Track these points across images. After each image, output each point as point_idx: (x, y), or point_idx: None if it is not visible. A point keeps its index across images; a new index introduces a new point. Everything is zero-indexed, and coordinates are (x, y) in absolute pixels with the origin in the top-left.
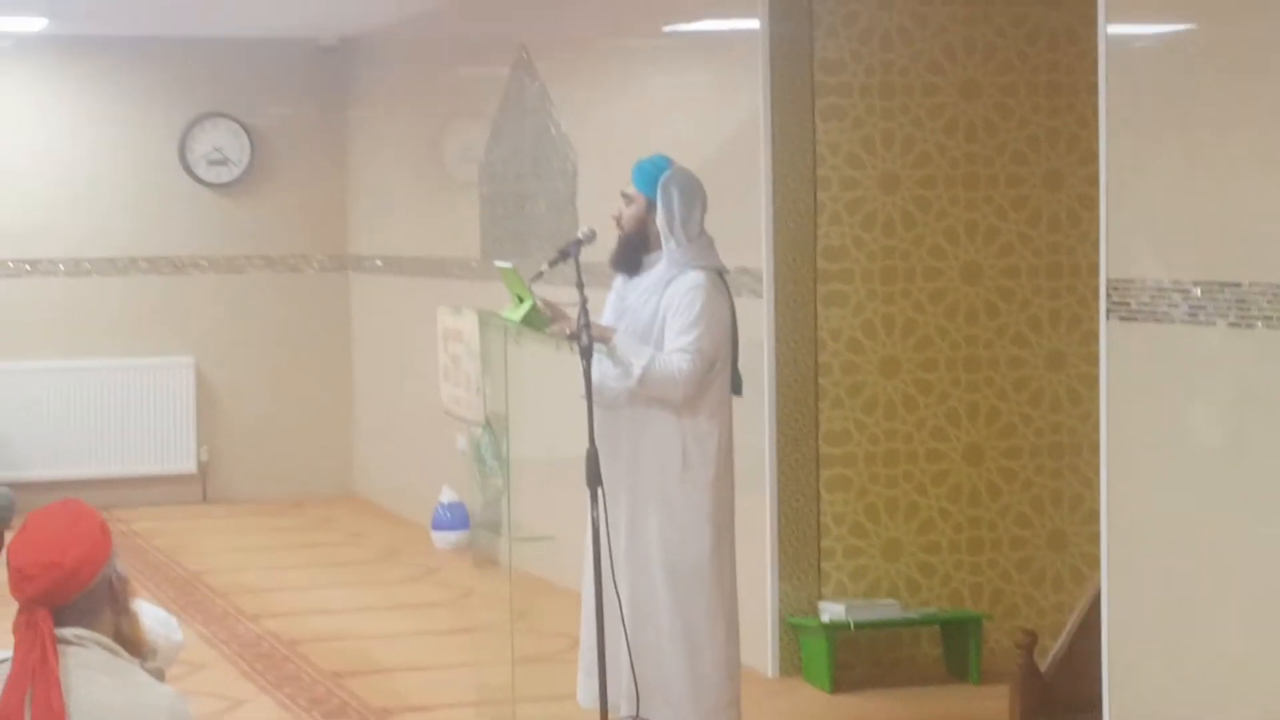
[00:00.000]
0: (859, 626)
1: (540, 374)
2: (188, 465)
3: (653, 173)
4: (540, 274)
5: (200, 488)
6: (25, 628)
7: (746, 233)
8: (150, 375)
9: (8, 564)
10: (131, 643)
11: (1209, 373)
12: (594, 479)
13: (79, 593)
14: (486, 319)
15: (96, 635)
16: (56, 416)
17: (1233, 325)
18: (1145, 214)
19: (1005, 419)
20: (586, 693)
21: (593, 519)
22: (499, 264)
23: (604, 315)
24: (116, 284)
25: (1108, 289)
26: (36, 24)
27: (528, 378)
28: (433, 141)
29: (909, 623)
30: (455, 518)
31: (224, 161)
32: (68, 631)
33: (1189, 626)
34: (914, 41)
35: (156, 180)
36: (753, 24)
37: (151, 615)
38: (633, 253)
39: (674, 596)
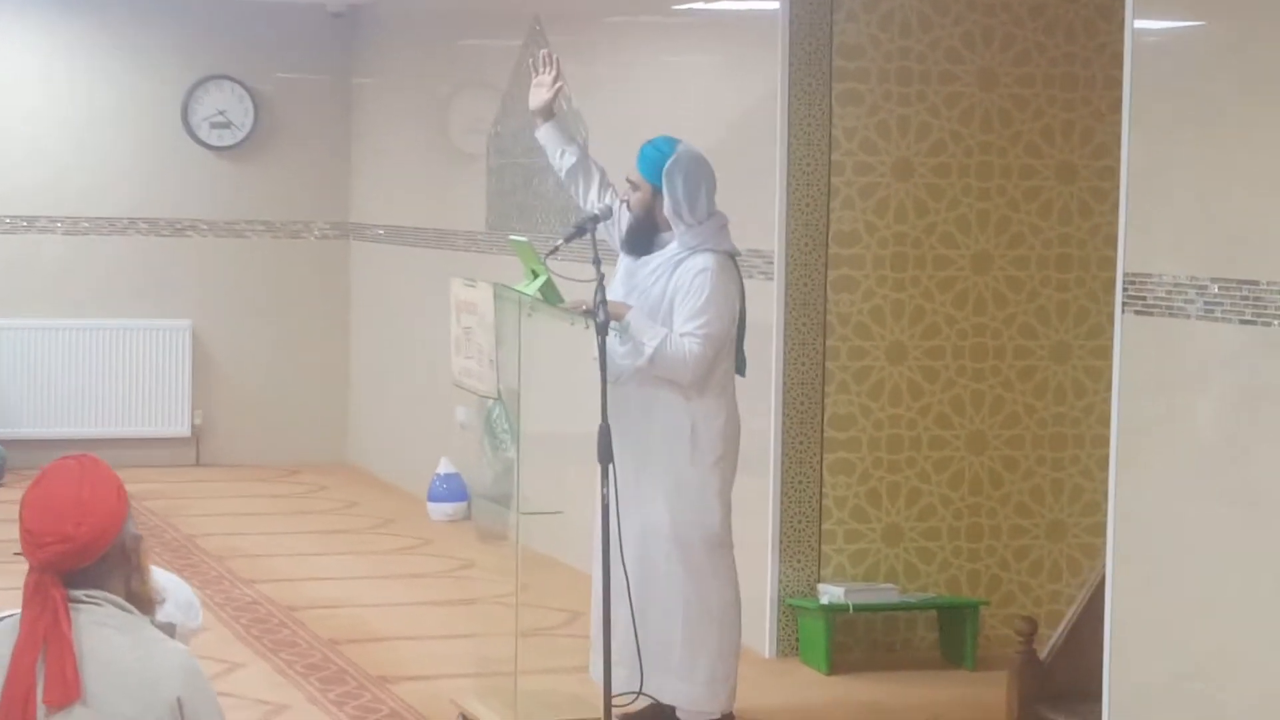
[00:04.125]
0: (858, 609)
1: (553, 349)
2: (182, 428)
3: (656, 159)
4: (555, 249)
5: (194, 451)
6: (35, 590)
7: (759, 215)
8: (146, 337)
9: (20, 521)
10: (141, 599)
11: (1221, 369)
12: (605, 455)
13: (92, 561)
14: (501, 292)
15: (109, 594)
16: (51, 375)
17: (1246, 322)
18: (1164, 209)
19: (1009, 409)
20: (596, 667)
21: (602, 495)
22: (513, 238)
23: (611, 291)
24: (115, 244)
25: (1124, 282)
26: None
27: (541, 352)
28: (440, 112)
29: (907, 607)
30: (452, 490)
31: (227, 125)
32: (80, 592)
33: (1191, 618)
34: (933, 29)
35: (158, 141)
36: (772, 5)
37: (174, 597)
38: (642, 236)
39: (687, 572)
